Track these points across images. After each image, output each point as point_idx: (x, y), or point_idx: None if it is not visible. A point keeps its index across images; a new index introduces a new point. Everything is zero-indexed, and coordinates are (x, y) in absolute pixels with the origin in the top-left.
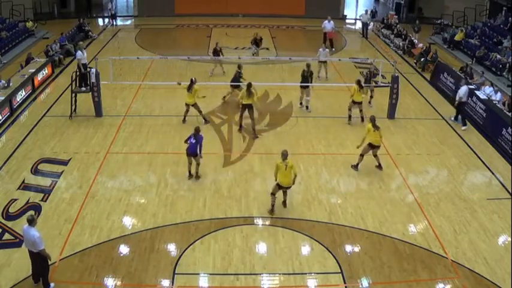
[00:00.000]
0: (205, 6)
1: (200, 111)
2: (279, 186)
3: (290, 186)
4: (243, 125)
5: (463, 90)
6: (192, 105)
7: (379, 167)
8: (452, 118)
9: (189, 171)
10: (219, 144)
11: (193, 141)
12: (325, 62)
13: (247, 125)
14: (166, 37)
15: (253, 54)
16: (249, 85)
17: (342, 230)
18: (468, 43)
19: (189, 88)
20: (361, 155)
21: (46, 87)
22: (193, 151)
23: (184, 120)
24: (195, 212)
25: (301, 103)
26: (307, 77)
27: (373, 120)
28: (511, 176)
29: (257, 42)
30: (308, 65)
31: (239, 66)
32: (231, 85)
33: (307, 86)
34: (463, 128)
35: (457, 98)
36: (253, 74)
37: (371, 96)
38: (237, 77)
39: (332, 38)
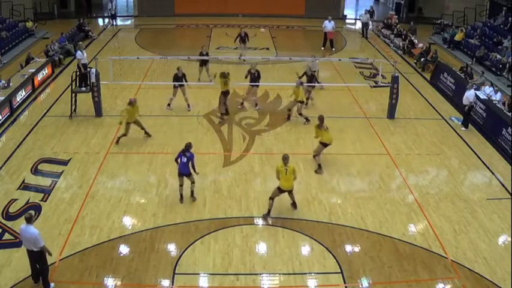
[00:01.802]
0: (205, 6)
1: (143, 127)
2: (279, 190)
3: (291, 189)
4: (244, 125)
5: (472, 94)
6: (134, 122)
7: (319, 168)
8: (459, 121)
9: (181, 195)
10: (219, 144)
11: (184, 160)
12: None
13: (247, 125)
14: (166, 37)
15: (240, 55)
16: (226, 74)
17: (342, 230)
18: (468, 43)
19: (132, 105)
20: (315, 156)
21: (46, 87)
22: (185, 171)
23: (118, 142)
24: (195, 212)
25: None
26: (257, 77)
27: (321, 120)
28: (511, 176)
29: (242, 39)
30: (255, 64)
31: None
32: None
33: (258, 85)
34: (463, 129)
35: (467, 103)
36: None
37: (307, 98)
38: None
39: (332, 38)
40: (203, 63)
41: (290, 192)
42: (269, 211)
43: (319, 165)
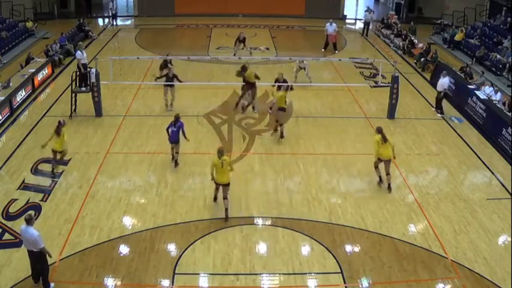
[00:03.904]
0: (205, 6)
1: (59, 160)
2: (216, 184)
3: (227, 184)
4: (244, 125)
5: (446, 81)
6: (60, 152)
7: (389, 188)
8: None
9: (172, 155)
10: (219, 144)
11: (174, 129)
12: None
13: (247, 125)
14: (166, 37)
15: (250, 52)
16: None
17: (342, 230)
18: (468, 43)
19: (58, 131)
20: (376, 167)
21: (46, 87)
22: (174, 139)
23: (53, 173)
24: (195, 212)
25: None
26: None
27: (380, 131)
28: (511, 176)
29: (240, 40)
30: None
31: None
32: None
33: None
34: (439, 115)
35: (441, 89)
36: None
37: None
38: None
39: (335, 41)
40: (164, 66)
41: (225, 186)
42: (226, 210)
43: (380, 178)
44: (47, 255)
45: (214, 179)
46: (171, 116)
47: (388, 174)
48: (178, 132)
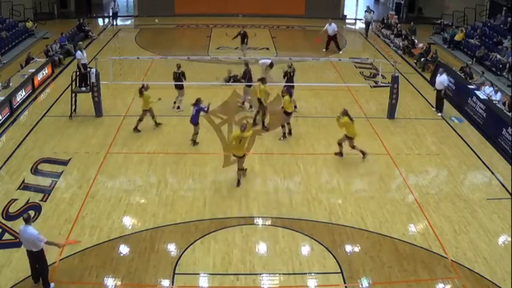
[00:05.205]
0: (205, 6)
1: (153, 116)
2: (233, 155)
3: (242, 156)
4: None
5: (445, 78)
6: (147, 110)
7: (364, 155)
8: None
9: (194, 140)
10: (219, 144)
11: (194, 111)
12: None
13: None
14: (166, 37)
15: (244, 55)
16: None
17: (342, 230)
18: (468, 43)
19: (140, 92)
20: (340, 144)
21: (46, 87)
22: (194, 120)
23: (136, 129)
24: (195, 212)
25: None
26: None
27: (346, 113)
28: (511, 176)
29: (242, 38)
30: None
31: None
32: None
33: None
34: (439, 114)
35: (442, 87)
36: (253, 74)
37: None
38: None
39: (336, 40)
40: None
41: (240, 158)
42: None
43: (340, 152)
44: (46, 253)
45: (233, 152)
46: (172, 116)
47: (354, 147)
48: (198, 114)
